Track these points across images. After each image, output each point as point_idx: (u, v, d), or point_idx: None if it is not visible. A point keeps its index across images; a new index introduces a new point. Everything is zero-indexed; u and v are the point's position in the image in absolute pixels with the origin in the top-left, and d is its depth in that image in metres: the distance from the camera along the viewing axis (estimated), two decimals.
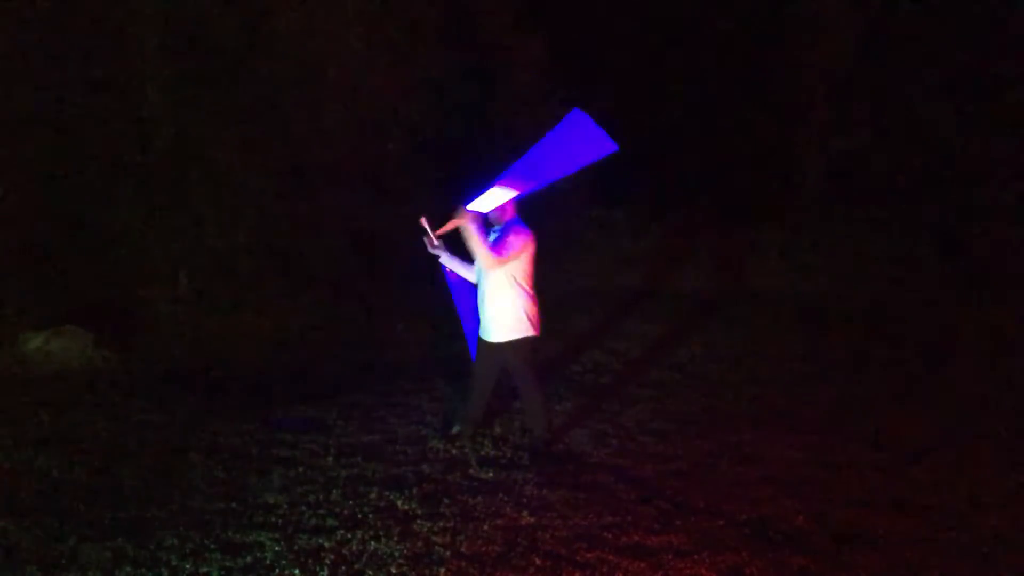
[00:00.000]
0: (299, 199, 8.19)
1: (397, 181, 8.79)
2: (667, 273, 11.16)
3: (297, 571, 3.43)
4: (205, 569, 3.43)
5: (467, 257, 4.79)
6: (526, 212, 4.74)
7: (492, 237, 4.64)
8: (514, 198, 4.62)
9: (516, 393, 5.09)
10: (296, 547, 3.62)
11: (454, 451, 4.83)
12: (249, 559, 3.52)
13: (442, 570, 3.45)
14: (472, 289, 4.92)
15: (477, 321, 4.84)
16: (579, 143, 4.43)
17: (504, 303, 4.62)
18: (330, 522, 3.87)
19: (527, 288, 4.65)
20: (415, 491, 4.24)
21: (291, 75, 8.19)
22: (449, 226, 4.67)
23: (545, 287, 4.84)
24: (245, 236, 7.91)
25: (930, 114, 11.48)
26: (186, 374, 6.35)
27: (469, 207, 4.57)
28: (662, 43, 13.02)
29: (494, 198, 4.59)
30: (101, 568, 3.43)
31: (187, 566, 3.45)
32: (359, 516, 3.94)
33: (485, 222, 4.66)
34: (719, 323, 8.66)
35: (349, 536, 3.73)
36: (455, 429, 5.04)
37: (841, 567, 3.58)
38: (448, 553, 3.59)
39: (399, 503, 4.10)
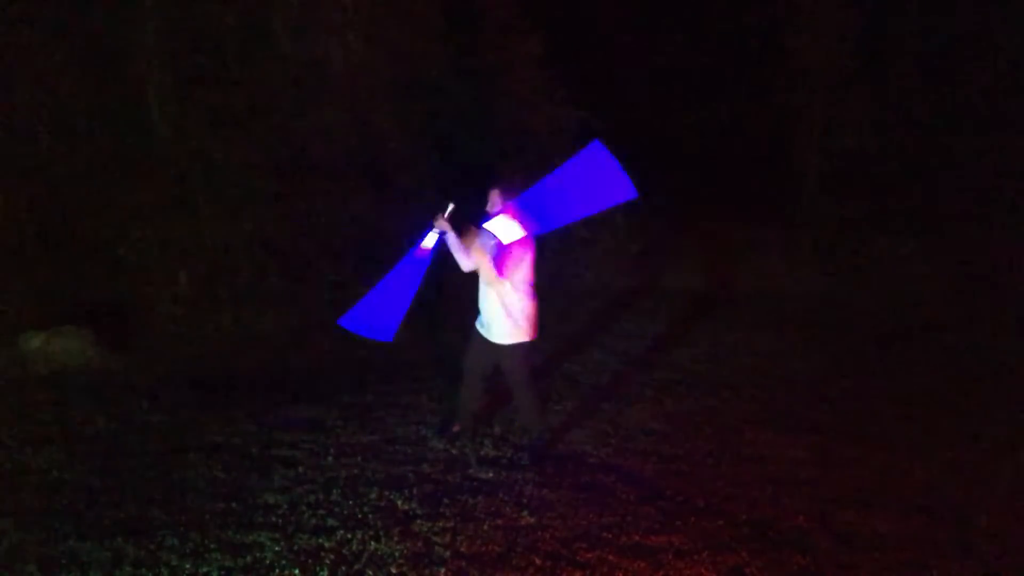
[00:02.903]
0: (299, 199, 8.19)
1: (397, 181, 8.79)
2: (667, 272, 11.16)
3: (297, 571, 3.43)
4: (205, 569, 3.44)
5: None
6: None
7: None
8: (523, 229, 4.41)
9: (510, 394, 5.07)
10: (296, 547, 3.62)
11: (454, 451, 4.82)
12: (249, 559, 3.52)
13: (442, 570, 3.46)
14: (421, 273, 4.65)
15: (400, 298, 4.60)
16: (597, 180, 4.25)
17: (502, 307, 4.58)
18: (330, 522, 3.87)
19: (526, 292, 4.60)
20: (415, 491, 4.24)
21: (291, 75, 8.19)
22: (463, 243, 4.58)
23: (545, 287, 4.83)
24: (245, 236, 7.90)
25: (930, 113, 11.49)
26: (186, 374, 6.35)
27: (486, 227, 4.45)
28: (662, 42, 13.04)
29: (507, 226, 4.41)
30: (101, 568, 3.43)
31: (187, 566, 3.45)
32: (359, 516, 3.94)
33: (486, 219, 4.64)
34: (719, 323, 8.66)
35: (349, 536, 3.73)
36: (455, 428, 5.04)
37: (841, 567, 3.58)
38: (448, 553, 3.59)
39: (399, 503, 4.10)
